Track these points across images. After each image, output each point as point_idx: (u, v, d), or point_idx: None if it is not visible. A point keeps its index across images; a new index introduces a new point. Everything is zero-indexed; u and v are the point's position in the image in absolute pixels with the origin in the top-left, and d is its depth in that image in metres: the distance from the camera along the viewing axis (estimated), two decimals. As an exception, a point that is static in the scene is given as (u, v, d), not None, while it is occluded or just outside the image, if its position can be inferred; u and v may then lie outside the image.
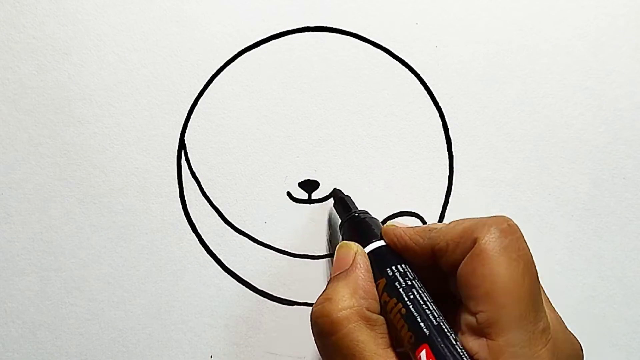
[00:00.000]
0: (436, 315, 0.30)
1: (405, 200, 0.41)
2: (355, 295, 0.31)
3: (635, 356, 0.43)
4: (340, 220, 0.39)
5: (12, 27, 0.39)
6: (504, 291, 0.28)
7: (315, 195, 0.41)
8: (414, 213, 0.42)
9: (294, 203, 0.41)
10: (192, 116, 0.40)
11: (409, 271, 0.32)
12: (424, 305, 0.30)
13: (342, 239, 0.37)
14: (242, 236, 0.40)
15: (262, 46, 0.41)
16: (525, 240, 0.30)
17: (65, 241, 0.39)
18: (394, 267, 0.32)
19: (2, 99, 0.39)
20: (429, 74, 0.42)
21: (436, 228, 0.32)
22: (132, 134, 0.40)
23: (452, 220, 0.32)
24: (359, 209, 0.38)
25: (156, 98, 0.40)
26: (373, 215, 0.37)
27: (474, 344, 0.28)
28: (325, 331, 0.30)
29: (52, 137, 0.39)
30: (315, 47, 0.41)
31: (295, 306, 0.40)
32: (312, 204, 0.41)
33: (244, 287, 0.40)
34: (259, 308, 0.40)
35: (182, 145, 0.40)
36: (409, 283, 0.31)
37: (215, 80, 0.40)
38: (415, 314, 0.30)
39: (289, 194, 0.41)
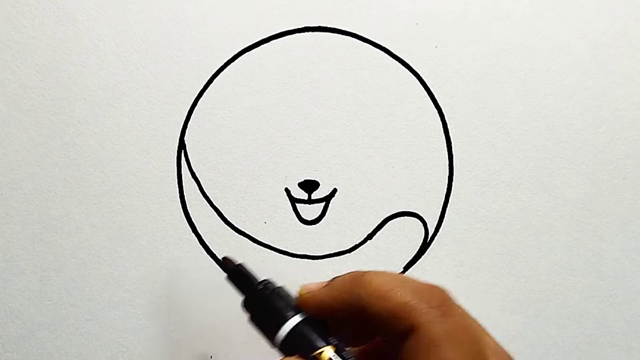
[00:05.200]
0: None
1: (405, 200, 0.41)
2: None
3: (635, 356, 0.43)
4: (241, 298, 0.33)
5: (12, 27, 0.39)
6: None
7: (315, 195, 0.41)
8: (414, 213, 0.42)
9: (294, 203, 0.41)
10: (192, 116, 0.40)
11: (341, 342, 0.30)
12: None
13: (251, 321, 0.32)
14: (242, 236, 0.40)
15: (262, 46, 0.41)
16: (464, 314, 0.29)
17: (65, 241, 0.39)
18: (330, 338, 0.29)
19: (2, 99, 0.39)
20: (429, 74, 0.42)
21: (362, 276, 0.29)
22: (132, 134, 0.40)
23: (376, 272, 0.29)
24: (258, 278, 0.33)
25: (156, 98, 0.40)
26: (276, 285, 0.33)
27: None
28: None
29: (52, 137, 0.39)
30: (315, 47, 0.41)
31: (295, 306, 0.40)
32: (312, 204, 0.41)
33: (244, 287, 0.40)
34: (259, 308, 0.40)
35: (182, 145, 0.40)
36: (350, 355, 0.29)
37: (215, 80, 0.40)
38: None
39: (288, 193, 0.41)
